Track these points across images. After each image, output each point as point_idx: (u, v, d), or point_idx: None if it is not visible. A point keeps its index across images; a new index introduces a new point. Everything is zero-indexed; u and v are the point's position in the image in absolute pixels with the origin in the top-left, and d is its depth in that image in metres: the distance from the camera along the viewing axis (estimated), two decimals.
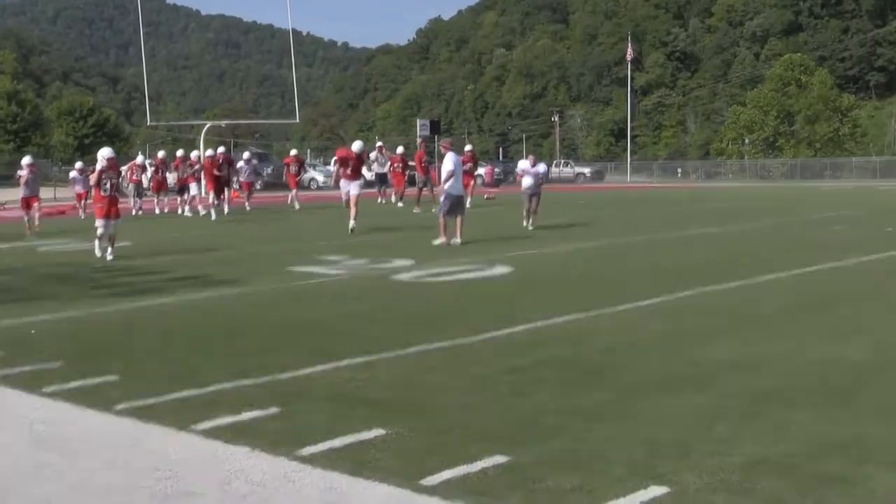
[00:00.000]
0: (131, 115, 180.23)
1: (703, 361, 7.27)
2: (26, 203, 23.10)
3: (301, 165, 36.89)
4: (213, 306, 10.79)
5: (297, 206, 31.95)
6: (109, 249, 15.85)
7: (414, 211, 27.68)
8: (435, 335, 8.57)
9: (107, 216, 16.02)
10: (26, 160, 24.13)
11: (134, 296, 11.70)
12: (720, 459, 4.92)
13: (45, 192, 31.09)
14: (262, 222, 26.07)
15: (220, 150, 29.67)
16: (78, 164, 31.82)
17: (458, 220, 17.65)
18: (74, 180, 30.29)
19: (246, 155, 34.48)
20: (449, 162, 17.78)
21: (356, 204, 20.14)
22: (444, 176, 17.68)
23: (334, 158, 31.29)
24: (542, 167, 21.60)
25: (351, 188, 20.35)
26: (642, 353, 7.59)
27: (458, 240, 17.32)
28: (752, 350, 7.68)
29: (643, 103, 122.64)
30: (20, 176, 23.47)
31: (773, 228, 21.30)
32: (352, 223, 20.05)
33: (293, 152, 38.08)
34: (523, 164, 21.41)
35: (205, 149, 45.20)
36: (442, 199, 17.83)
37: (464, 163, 21.59)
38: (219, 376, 7.05)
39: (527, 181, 20.65)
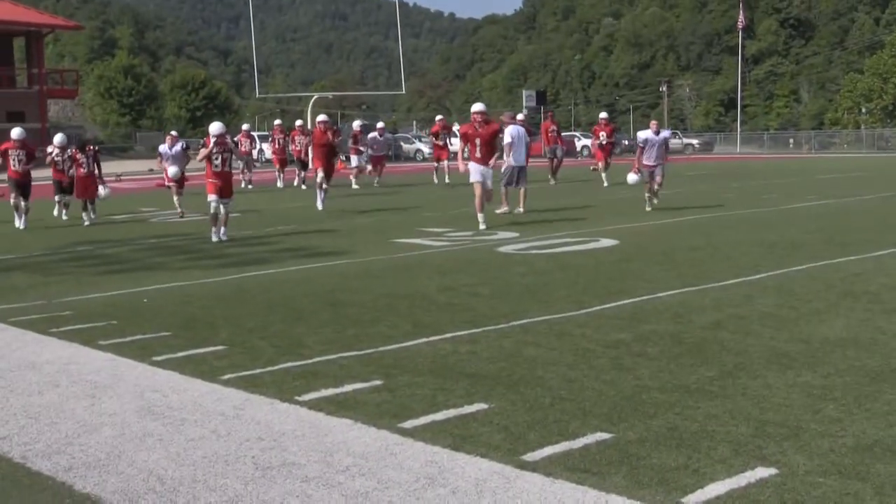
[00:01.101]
0: (241, 88, 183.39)
1: (812, 339, 7.07)
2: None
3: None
4: (318, 277, 10.91)
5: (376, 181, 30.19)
6: (223, 230, 14.79)
7: (550, 182, 27.84)
8: (538, 308, 8.53)
9: (219, 193, 14.74)
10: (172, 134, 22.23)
11: (241, 266, 11.90)
12: (831, 441, 4.77)
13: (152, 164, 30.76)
14: (376, 195, 26.29)
15: (321, 117, 27.58)
16: (172, 134, 23.03)
17: (522, 190, 18.22)
18: (164, 156, 21.30)
19: (380, 125, 31.96)
20: (507, 135, 18.09)
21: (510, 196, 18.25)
22: (504, 148, 17.77)
23: (435, 130, 29.56)
24: (666, 132, 18.74)
25: (486, 178, 16.10)
26: (749, 330, 7.41)
27: (521, 209, 18.04)
28: (864, 328, 7.43)
29: (754, 72, 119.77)
30: (162, 155, 21.00)
31: (890, 201, 20.59)
32: (520, 208, 18.15)
33: (356, 123, 32.77)
34: (645, 133, 18.26)
35: (313, 121, 45.76)
36: (503, 169, 18.21)
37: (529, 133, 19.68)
38: (322, 348, 7.13)
39: (648, 155, 18.02)
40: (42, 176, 22.28)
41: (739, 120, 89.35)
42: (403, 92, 60.46)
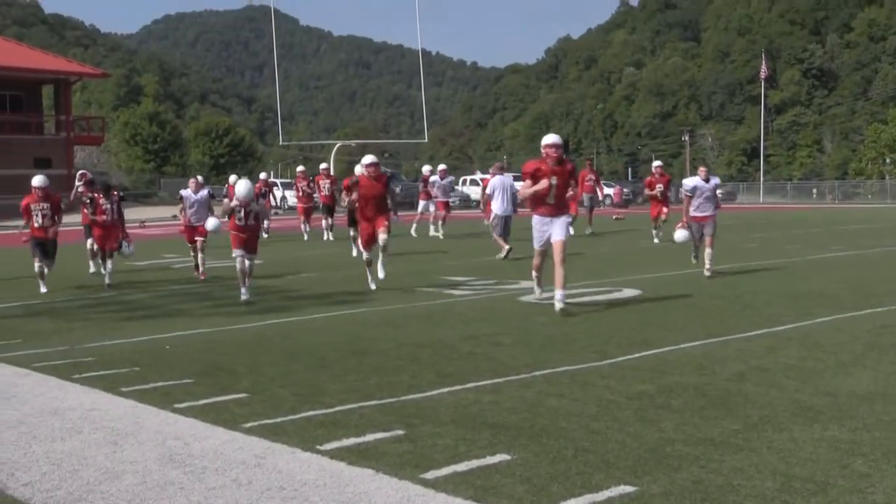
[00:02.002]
0: (265, 135, 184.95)
1: (838, 392, 6.99)
2: (192, 233, 17.23)
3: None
4: (340, 325, 10.91)
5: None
6: (247, 283, 13.49)
7: (587, 231, 26.43)
8: (560, 358, 8.49)
9: (244, 247, 13.49)
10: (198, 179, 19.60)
11: (263, 314, 11.92)
12: (860, 497, 4.70)
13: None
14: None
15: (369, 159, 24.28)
16: (197, 179, 18.61)
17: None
18: (187, 201, 17.40)
19: (442, 167, 29.16)
20: (490, 186, 19.25)
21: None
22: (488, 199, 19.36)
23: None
24: (715, 179, 15.79)
25: (555, 231, 11.67)
26: (773, 382, 7.34)
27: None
28: (892, 381, 7.35)
29: (777, 122, 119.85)
30: (185, 200, 17.40)
31: None
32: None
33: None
34: (693, 180, 15.53)
35: (336, 168, 45.64)
36: (491, 219, 19.72)
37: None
38: (344, 396, 7.11)
39: (697, 205, 15.24)
40: (71, 221, 21.20)
41: (762, 169, 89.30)
42: (426, 140, 60.79)
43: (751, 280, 14.70)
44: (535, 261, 12.11)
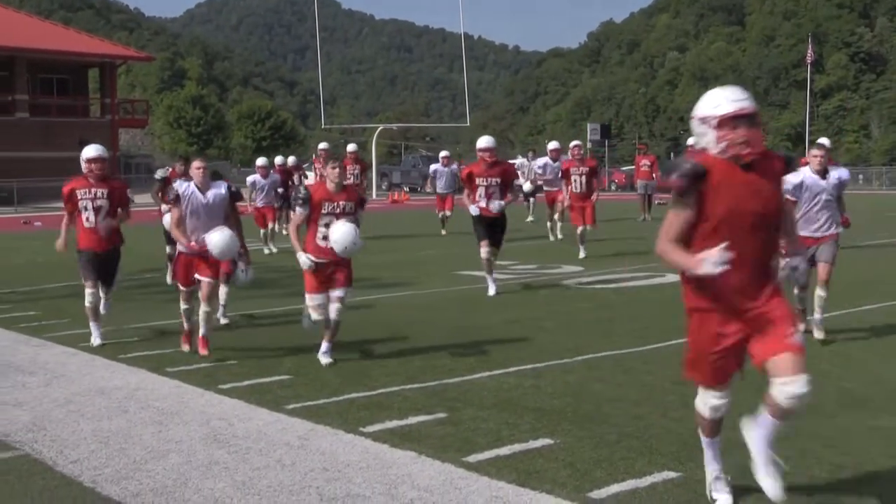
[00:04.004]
0: (307, 119, 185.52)
1: (886, 380, 6.91)
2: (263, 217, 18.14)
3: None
4: (382, 309, 10.94)
5: None
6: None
7: (640, 218, 25.39)
8: (602, 343, 8.46)
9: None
10: (279, 160, 20.61)
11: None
12: None
13: None
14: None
15: (351, 147, 22.51)
16: (260, 161, 19.32)
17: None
18: (257, 184, 18.22)
19: (444, 153, 25.34)
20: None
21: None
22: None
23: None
24: (840, 172, 9.33)
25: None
26: (819, 369, 7.25)
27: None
28: None
29: (823, 107, 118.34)
30: (255, 184, 18.15)
31: None
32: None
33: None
34: (799, 175, 8.94)
35: (377, 152, 45.34)
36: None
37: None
38: (387, 379, 7.14)
39: (807, 218, 8.83)
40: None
41: (808, 155, 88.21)
42: (468, 124, 60.62)
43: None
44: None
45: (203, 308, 8.35)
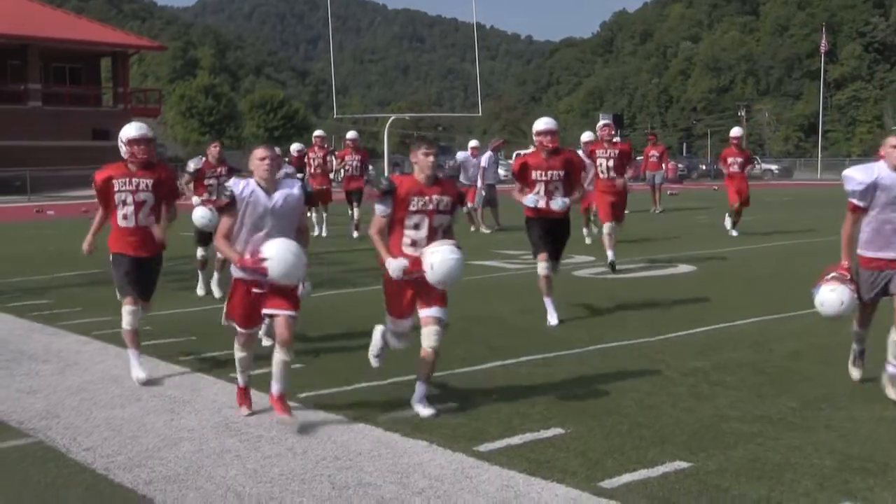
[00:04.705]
0: (318, 108, 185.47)
1: None
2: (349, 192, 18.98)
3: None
4: None
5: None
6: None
7: (652, 210, 25.12)
8: (614, 334, 8.45)
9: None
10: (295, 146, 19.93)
11: (317, 287, 11.96)
12: None
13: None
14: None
15: (351, 135, 19.93)
16: (295, 147, 19.72)
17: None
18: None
19: (474, 143, 22.33)
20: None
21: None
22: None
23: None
24: None
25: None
26: (832, 360, 7.24)
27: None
28: None
29: (836, 97, 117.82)
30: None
31: None
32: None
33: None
34: (866, 170, 6.62)
35: (389, 141, 45.18)
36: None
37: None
38: (398, 369, 7.14)
39: (877, 231, 6.51)
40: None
41: (820, 145, 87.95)
42: (480, 114, 60.52)
43: (808, 257, 14.51)
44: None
45: (279, 356, 5.90)
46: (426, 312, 6.10)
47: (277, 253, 5.74)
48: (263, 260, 5.74)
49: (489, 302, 10.53)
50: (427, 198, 6.08)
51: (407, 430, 5.58)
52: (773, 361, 7.26)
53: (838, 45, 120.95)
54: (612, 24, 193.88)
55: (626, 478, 4.71)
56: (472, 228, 19.81)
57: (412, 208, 6.06)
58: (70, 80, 53.83)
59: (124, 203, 7.20)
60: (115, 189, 7.19)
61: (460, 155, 22.28)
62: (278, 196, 6.02)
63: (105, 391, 6.72)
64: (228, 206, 5.97)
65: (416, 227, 6.10)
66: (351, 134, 19.88)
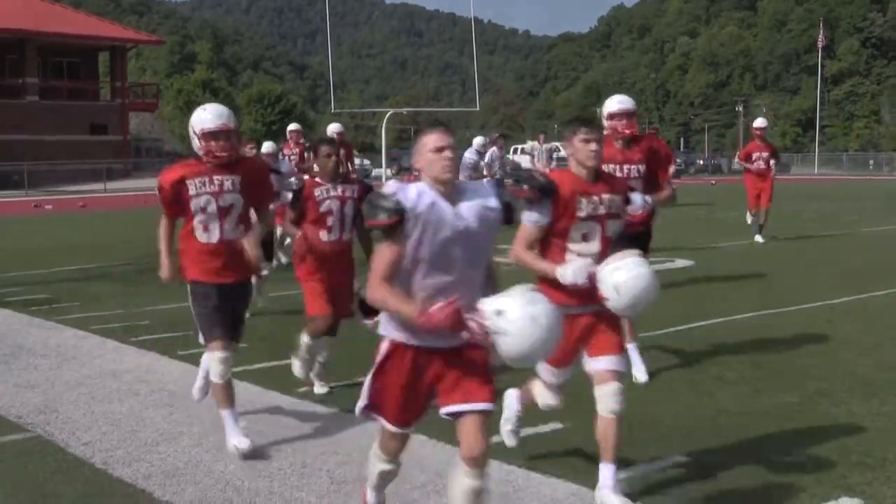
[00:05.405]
0: (316, 103, 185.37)
1: None
2: None
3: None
4: None
5: None
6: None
7: None
8: None
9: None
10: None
11: None
12: None
13: None
14: None
15: (333, 128, 17.31)
16: (268, 146, 14.15)
17: None
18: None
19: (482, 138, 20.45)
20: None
21: None
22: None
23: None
24: None
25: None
26: (830, 355, 7.26)
27: None
28: None
29: (834, 92, 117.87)
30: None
31: None
32: None
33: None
34: None
35: (387, 136, 45.17)
36: None
37: None
38: None
39: None
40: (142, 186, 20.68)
41: (818, 141, 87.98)
42: (478, 109, 60.46)
43: (806, 252, 14.53)
44: None
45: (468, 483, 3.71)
46: (598, 365, 4.52)
47: (521, 320, 3.51)
48: (492, 330, 3.50)
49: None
50: (594, 198, 4.51)
51: None
52: (771, 356, 7.27)
53: (836, 40, 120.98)
54: (610, 19, 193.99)
55: (626, 472, 4.71)
56: None
57: (580, 214, 4.49)
58: (68, 74, 53.76)
59: (204, 210, 5.37)
60: (191, 193, 5.35)
61: (490, 153, 19.36)
62: (467, 210, 3.71)
63: (103, 385, 6.72)
64: (395, 228, 3.63)
65: (585, 237, 4.54)
66: (334, 127, 17.43)
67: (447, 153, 3.71)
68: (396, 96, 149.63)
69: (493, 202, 3.78)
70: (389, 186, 3.75)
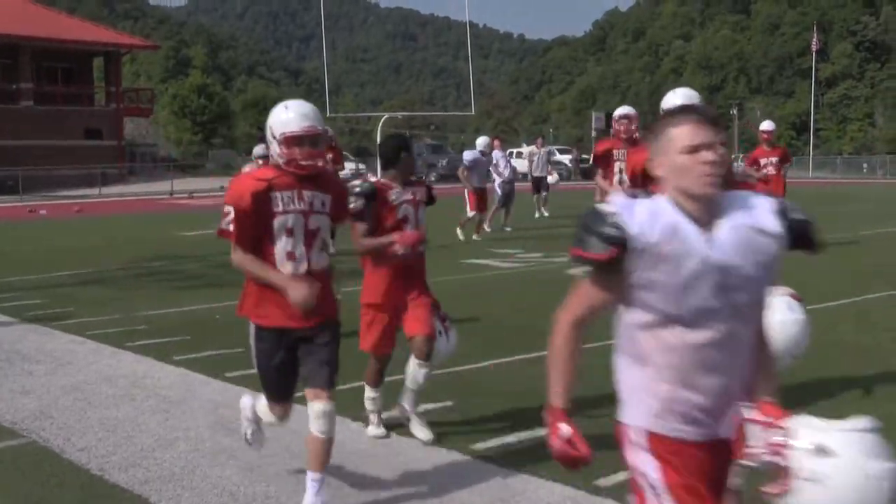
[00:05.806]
0: None
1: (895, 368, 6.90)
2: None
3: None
4: None
5: None
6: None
7: None
8: (609, 331, 8.43)
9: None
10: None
11: None
12: None
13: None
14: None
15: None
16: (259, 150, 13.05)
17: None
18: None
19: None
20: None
21: None
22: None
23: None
24: None
25: None
26: (828, 358, 7.25)
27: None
28: None
29: (827, 96, 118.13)
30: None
31: None
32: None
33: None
34: None
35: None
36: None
37: None
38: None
39: None
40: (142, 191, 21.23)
41: (812, 144, 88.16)
42: (472, 113, 60.51)
43: (799, 256, 14.52)
44: None
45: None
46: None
47: (854, 472, 2.45)
48: (801, 472, 2.45)
49: (485, 301, 10.52)
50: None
51: (403, 430, 5.57)
52: None
53: (829, 43, 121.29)
54: (605, 23, 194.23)
55: (621, 476, 4.70)
56: (475, 235, 17.73)
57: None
58: (62, 79, 53.68)
59: (290, 233, 4.30)
60: (278, 209, 4.25)
61: (468, 154, 19.11)
62: (727, 235, 2.60)
63: (99, 391, 6.70)
64: (613, 265, 2.63)
65: None
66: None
67: (708, 154, 2.51)
68: (391, 100, 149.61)
69: (771, 222, 2.65)
70: (612, 200, 2.63)
